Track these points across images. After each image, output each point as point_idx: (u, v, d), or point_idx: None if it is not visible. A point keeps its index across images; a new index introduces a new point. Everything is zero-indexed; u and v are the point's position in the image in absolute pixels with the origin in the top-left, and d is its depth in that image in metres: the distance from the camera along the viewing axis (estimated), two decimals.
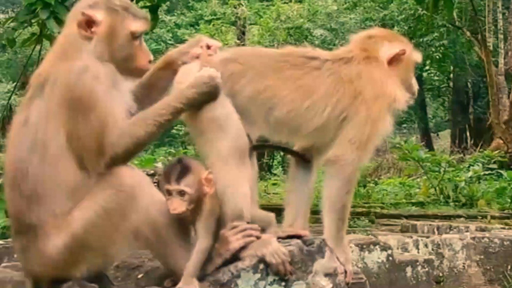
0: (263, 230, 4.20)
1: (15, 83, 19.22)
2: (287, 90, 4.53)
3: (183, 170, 4.09)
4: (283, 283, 4.05)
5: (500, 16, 28.56)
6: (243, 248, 4.09)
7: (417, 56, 5.01)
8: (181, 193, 4.05)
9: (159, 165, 20.79)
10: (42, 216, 4.14)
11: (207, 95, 4.30)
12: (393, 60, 4.80)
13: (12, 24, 13.96)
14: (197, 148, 4.48)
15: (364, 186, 21.66)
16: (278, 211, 4.66)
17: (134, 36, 4.42)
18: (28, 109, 4.30)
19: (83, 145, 4.15)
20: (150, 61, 4.52)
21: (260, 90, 4.49)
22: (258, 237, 4.13)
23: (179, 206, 4.04)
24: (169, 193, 4.07)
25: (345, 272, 4.28)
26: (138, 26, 4.43)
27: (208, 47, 4.58)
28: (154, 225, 4.11)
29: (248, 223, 4.14)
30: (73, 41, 4.36)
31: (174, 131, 34.82)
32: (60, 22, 12.73)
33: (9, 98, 18.17)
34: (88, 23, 4.35)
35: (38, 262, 4.17)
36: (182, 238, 4.14)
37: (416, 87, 5.01)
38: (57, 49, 4.45)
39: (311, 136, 4.67)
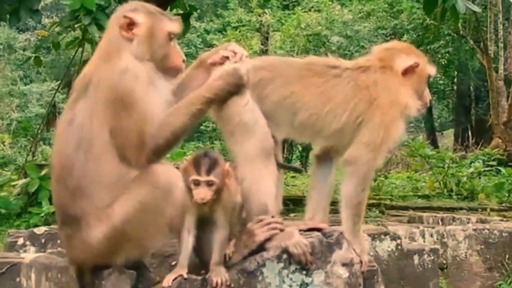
0: None
1: (58, 82, 19.23)
2: (310, 96, 4.53)
3: (212, 162, 4.08)
4: (304, 272, 4.03)
5: (500, 26, 28.41)
6: (268, 240, 4.07)
7: (431, 70, 4.99)
8: (210, 183, 4.04)
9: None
10: (85, 209, 4.14)
11: (233, 86, 4.34)
12: (408, 71, 4.78)
13: (57, 29, 14.04)
14: (227, 147, 4.47)
15: (375, 180, 21.57)
16: (296, 201, 4.67)
17: (171, 36, 4.45)
18: (74, 109, 4.30)
19: (126, 139, 4.15)
20: (183, 61, 4.53)
21: (285, 96, 4.50)
22: (281, 230, 4.11)
23: (206, 195, 4.02)
24: (196, 183, 4.05)
25: (361, 262, 4.25)
26: (174, 27, 4.47)
27: (234, 52, 4.57)
28: None
29: (272, 217, 4.12)
30: (115, 43, 4.37)
31: (202, 127, 34.85)
32: (100, 28, 12.78)
33: (53, 96, 18.17)
34: (129, 25, 4.37)
35: (81, 251, 4.17)
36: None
37: (428, 97, 4.99)
38: (100, 52, 4.45)
39: (331, 138, 4.66)
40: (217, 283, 3.93)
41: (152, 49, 4.38)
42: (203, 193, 4.03)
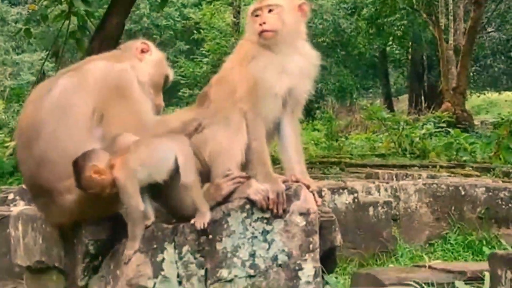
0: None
1: (47, 52, 19.10)
2: None
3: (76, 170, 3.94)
4: (265, 221, 4.04)
5: (451, 1, 28.46)
6: (232, 192, 4.07)
7: None
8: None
9: None
10: (51, 180, 4.00)
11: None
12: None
13: (45, 3, 13.92)
14: None
15: (336, 140, 21.70)
16: None
17: (166, 79, 4.50)
18: (56, 82, 4.18)
19: (121, 126, 4.04)
20: (161, 107, 4.49)
21: None
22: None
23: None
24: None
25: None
26: (171, 75, 4.57)
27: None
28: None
29: None
30: (123, 56, 4.38)
31: (180, 93, 34.72)
32: (85, 1, 12.70)
33: (42, 64, 18.10)
34: (144, 51, 4.43)
35: (58, 215, 4.08)
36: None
37: None
38: (106, 55, 4.45)
39: None
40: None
41: (150, 77, 4.37)
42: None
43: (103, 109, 4.06)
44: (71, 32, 14.06)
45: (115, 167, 3.88)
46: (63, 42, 15.34)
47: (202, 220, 3.93)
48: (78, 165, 3.86)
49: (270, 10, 4.21)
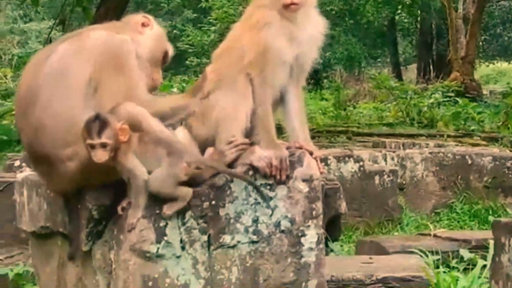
0: None
1: (54, 21, 19.07)
2: None
3: (102, 124, 3.81)
4: (268, 187, 4.05)
5: None
6: (236, 159, 4.09)
7: None
8: (103, 145, 3.89)
9: (175, 90, 20.74)
10: (49, 148, 3.96)
11: None
12: None
13: None
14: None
15: (344, 109, 21.68)
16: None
17: (165, 56, 4.42)
18: (55, 48, 4.13)
19: (112, 98, 3.98)
20: (160, 83, 4.46)
21: None
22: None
23: (103, 156, 3.86)
24: (92, 146, 3.82)
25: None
26: (171, 51, 4.46)
27: None
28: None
29: None
30: (126, 28, 4.31)
31: (187, 62, 34.68)
32: None
33: (49, 33, 18.09)
34: (145, 24, 4.36)
35: (60, 182, 4.06)
36: None
37: None
38: (106, 25, 4.39)
39: None
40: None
41: (149, 51, 4.30)
42: (99, 155, 3.91)
43: (98, 79, 4.02)
44: (78, 0, 14.03)
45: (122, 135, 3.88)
46: (70, 10, 15.32)
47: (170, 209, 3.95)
48: (103, 119, 3.83)
49: None
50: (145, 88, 4.16)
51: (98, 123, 3.80)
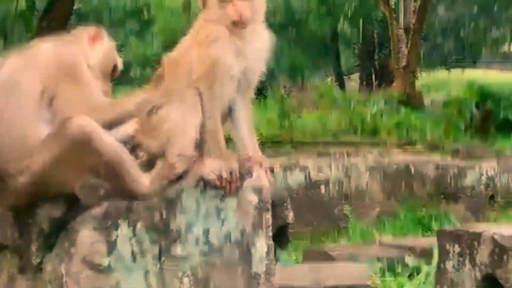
0: None
1: None
2: None
3: None
4: (218, 198, 4.10)
5: None
6: (186, 172, 4.12)
7: None
8: None
9: None
10: (1, 164, 3.95)
11: None
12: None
13: None
14: None
15: (288, 119, 21.79)
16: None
17: (114, 68, 4.46)
18: (4, 62, 4.11)
19: (71, 108, 3.97)
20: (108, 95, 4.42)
21: None
22: None
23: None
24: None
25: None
26: (120, 64, 4.52)
27: None
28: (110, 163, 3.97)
29: None
30: (75, 40, 4.32)
31: (131, 74, 34.48)
32: None
33: None
34: (95, 38, 4.38)
35: (12, 197, 4.03)
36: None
37: None
38: (57, 37, 4.35)
39: None
40: None
41: (99, 64, 4.33)
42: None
43: (54, 91, 4.01)
44: (19, 12, 13.89)
45: None
46: (12, 23, 15.15)
47: None
48: None
49: None
50: (102, 94, 4.18)
51: None
